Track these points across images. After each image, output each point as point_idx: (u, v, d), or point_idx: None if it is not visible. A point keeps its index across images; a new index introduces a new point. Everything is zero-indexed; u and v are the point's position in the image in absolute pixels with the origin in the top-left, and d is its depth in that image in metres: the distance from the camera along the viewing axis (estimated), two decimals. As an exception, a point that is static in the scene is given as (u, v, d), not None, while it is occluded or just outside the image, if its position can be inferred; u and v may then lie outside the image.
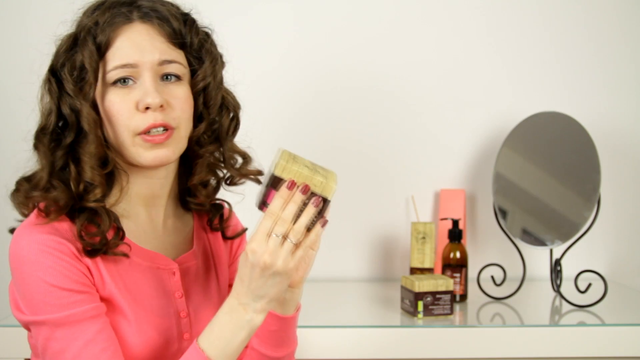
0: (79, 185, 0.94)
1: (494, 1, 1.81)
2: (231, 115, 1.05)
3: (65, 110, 0.95)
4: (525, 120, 1.63)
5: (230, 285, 1.14)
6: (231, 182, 1.09)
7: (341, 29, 1.79)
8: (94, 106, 0.94)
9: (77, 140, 0.95)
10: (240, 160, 1.07)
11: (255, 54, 1.77)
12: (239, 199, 1.13)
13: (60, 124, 0.96)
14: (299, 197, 0.87)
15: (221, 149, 1.04)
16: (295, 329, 1.03)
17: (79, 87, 0.94)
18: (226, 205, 1.13)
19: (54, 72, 0.96)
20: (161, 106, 0.93)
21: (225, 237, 1.13)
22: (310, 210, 0.88)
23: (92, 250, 0.92)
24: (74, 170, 0.94)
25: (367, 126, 1.80)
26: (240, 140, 1.07)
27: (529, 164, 1.64)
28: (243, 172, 1.06)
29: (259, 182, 1.07)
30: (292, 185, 0.87)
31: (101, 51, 0.94)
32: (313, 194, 0.88)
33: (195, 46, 0.99)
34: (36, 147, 0.96)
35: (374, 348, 1.33)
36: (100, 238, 0.93)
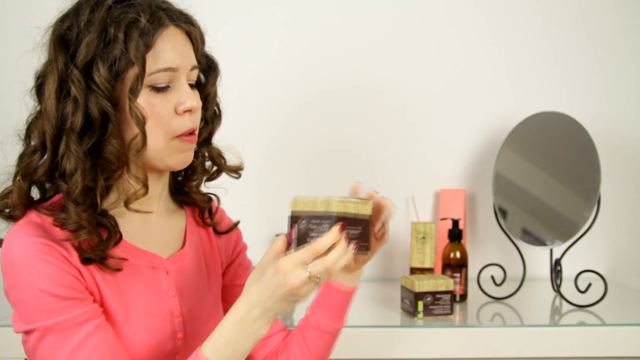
0: (103, 200, 0.92)
1: (494, 1, 1.81)
2: (220, 122, 1.10)
3: (93, 109, 0.90)
4: (525, 120, 1.63)
5: (226, 286, 1.15)
6: (209, 178, 1.12)
7: (340, 28, 1.79)
8: (113, 105, 0.90)
9: (97, 142, 0.91)
10: (223, 159, 1.11)
11: (251, 55, 1.77)
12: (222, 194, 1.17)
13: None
14: (344, 243, 0.86)
15: (208, 151, 1.09)
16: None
17: (121, 84, 0.91)
18: (214, 198, 1.15)
19: (82, 69, 0.90)
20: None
21: (217, 233, 1.13)
22: (347, 252, 0.87)
23: (87, 259, 0.92)
24: (102, 185, 0.92)
25: (367, 126, 1.80)
26: (237, 141, 1.11)
27: (529, 164, 1.64)
28: (232, 168, 1.11)
29: (239, 176, 1.12)
30: (343, 227, 0.87)
31: (146, 49, 0.91)
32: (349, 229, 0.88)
33: (202, 55, 1.03)
34: (68, 147, 0.90)
35: (374, 348, 1.33)
36: (100, 252, 0.92)
